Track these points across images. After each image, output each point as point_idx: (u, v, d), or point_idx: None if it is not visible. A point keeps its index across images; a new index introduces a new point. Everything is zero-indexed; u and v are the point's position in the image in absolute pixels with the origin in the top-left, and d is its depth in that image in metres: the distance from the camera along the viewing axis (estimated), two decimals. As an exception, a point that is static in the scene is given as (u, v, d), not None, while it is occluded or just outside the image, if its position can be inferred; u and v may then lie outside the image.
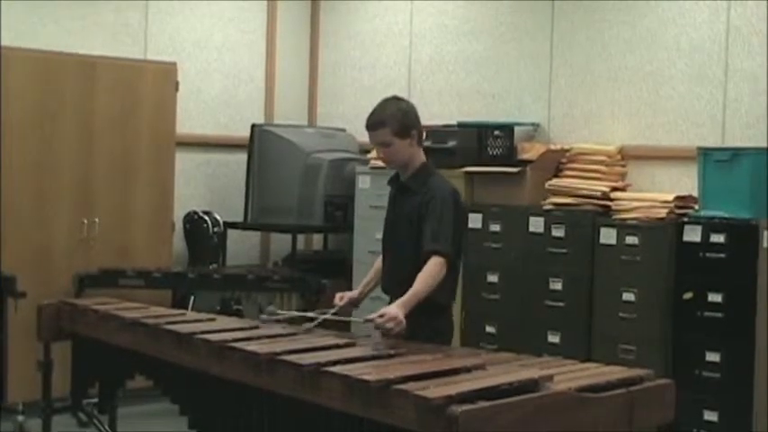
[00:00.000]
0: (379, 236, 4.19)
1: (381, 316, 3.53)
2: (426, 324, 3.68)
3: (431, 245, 3.68)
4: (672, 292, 5.19)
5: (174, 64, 6.57)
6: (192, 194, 7.04)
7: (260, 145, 6.95)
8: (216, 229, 6.88)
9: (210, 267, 6.62)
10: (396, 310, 3.54)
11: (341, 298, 3.95)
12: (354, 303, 4.01)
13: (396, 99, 3.96)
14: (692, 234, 5.12)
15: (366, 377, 2.86)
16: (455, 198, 3.86)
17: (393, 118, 3.80)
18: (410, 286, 3.64)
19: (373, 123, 3.84)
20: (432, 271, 3.64)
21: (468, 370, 3.05)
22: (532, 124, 6.26)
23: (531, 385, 2.85)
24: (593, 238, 5.46)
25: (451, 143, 6.16)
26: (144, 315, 4.00)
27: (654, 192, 5.58)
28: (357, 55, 7.47)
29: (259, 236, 7.50)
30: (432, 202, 3.77)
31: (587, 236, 5.49)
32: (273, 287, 6.12)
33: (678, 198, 5.38)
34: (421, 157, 3.92)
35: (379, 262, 4.08)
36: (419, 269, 3.66)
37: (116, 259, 6.16)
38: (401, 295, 3.65)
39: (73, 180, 6.10)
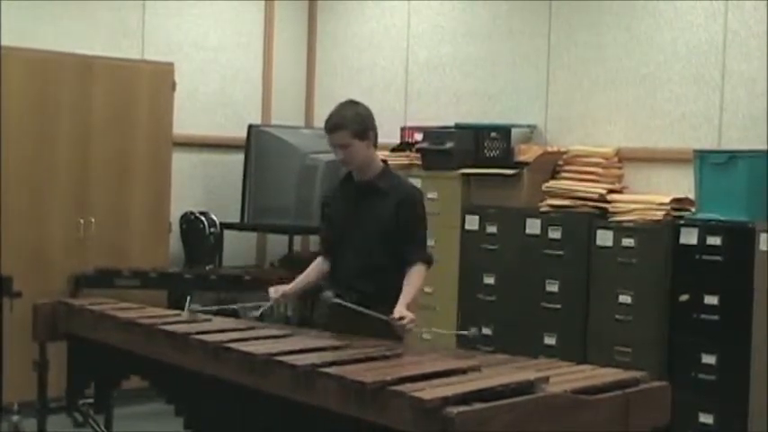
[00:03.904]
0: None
1: (401, 318, 3.75)
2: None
3: (419, 253, 3.98)
4: (668, 294, 5.19)
5: (172, 64, 6.57)
6: (188, 195, 7.03)
7: (257, 145, 6.95)
8: (212, 230, 6.87)
9: (207, 268, 6.61)
10: (408, 312, 3.79)
11: (275, 291, 4.08)
12: (287, 297, 4.15)
13: (352, 103, 4.12)
14: (689, 236, 5.12)
15: (362, 378, 2.86)
16: (422, 199, 4.13)
17: (352, 121, 3.99)
18: (380, 279, 3.90)
19: (332, 126, 4.01)
20: (421, 278, 3.96)
21: (463, 371, 3.05)
22: (529, 126, 6.25)
23: (526, 387, 2.85)
24: (590, 240, 5.46)
25: (448, 145, 6.16)
26: (140, 315, 4.01)
27: (650, 194, 5.57)
28: (354, 56, 7.46)
29: (256, 237, 7.49)
30: (412, 206, 4.01)
31: (584, 238, 5.49)
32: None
33: (674, 200, 5.38)
34: (378, 158, 4.11)
35: (317, 263, 4.20)
36: (393, 264, 3.92)
37: (112, 259, 6.16)
38: (361, 287, 3.89)
39: (69, 180, 6.10)
